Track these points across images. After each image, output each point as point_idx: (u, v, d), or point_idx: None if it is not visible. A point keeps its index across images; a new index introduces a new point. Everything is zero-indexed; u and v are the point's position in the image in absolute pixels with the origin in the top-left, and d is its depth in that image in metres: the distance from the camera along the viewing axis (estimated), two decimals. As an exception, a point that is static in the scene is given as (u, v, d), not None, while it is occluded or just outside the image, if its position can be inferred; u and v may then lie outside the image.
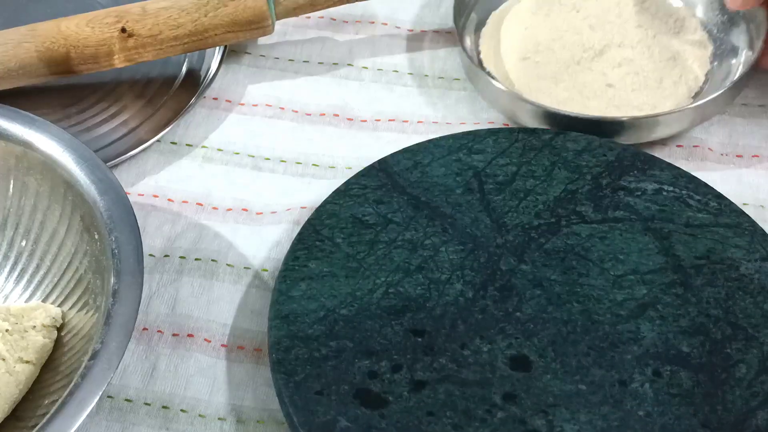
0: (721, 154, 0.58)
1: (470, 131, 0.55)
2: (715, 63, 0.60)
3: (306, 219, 0.51)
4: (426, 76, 0.63)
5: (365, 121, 0.61)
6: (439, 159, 0.54)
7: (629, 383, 0.45)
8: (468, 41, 0.62)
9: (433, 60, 0.64)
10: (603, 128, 0.55)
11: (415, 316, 0.47)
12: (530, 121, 0.57)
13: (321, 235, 0.50)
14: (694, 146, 0.58)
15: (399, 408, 0.44)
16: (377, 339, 0.46)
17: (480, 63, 0.61)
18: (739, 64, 0.59)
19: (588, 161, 0.53)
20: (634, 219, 0.51)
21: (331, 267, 0.49)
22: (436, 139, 0.55)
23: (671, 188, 0.52)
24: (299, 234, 0.50)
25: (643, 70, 0.59)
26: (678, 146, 0.58)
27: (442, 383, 0.45)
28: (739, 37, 0.61)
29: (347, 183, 0.52)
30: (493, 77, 0.58)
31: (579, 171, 0.53)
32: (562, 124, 0.56)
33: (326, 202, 0.52)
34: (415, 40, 0.66)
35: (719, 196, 0.51)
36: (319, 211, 0.51)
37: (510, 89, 0.57)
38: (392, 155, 0.54)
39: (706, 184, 0.52)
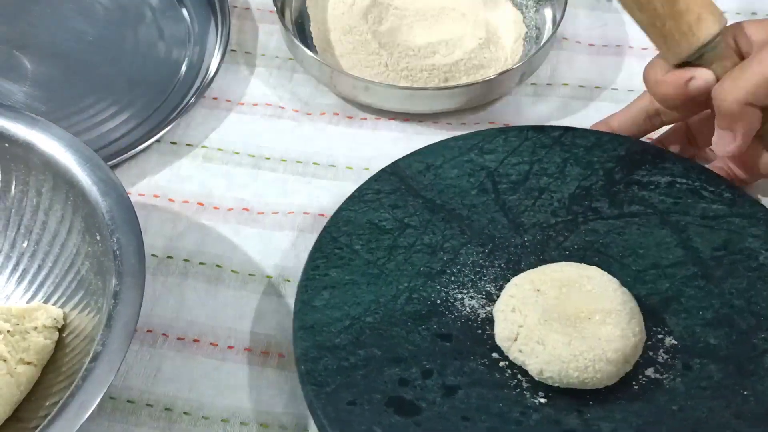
0: None
1: (479, 131, 0.55)
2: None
3: (308, 221, 0.50)
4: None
5: (365, 119, 0.60)
6: (450, 160, 0.53)
7: (660, 378, 0.45)
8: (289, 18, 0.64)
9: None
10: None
11: (441, 320, 0.47)
12: (352, 97, 0.59)
13: (339, 242, 0.49)
14: None
15: (433, 414, 0.43)
16: (405, 345, 0.46)
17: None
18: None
19: (599, 157, 0.53)
20: (650, 213, 0.51)
21: (351, 274, 0.48)
22: (445, 140, 0.54)
23: (684, 180, 0.52)
24: (317, 242, 0.49)
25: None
26: None
27: (474, 387, 0.44)
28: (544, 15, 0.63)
29: (360, 188, 0.52)
30: (315, 52, 0.59)
31: (591, 167, 0.53)
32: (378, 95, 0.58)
33: (341, 208, 0.51)
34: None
35: (732, 187, 0.52)
36: (335, 218, 0.50)
37: (326, 62, 0.58)
38: (403, 158, 0.53)
39: (717, 176, 0.52)
